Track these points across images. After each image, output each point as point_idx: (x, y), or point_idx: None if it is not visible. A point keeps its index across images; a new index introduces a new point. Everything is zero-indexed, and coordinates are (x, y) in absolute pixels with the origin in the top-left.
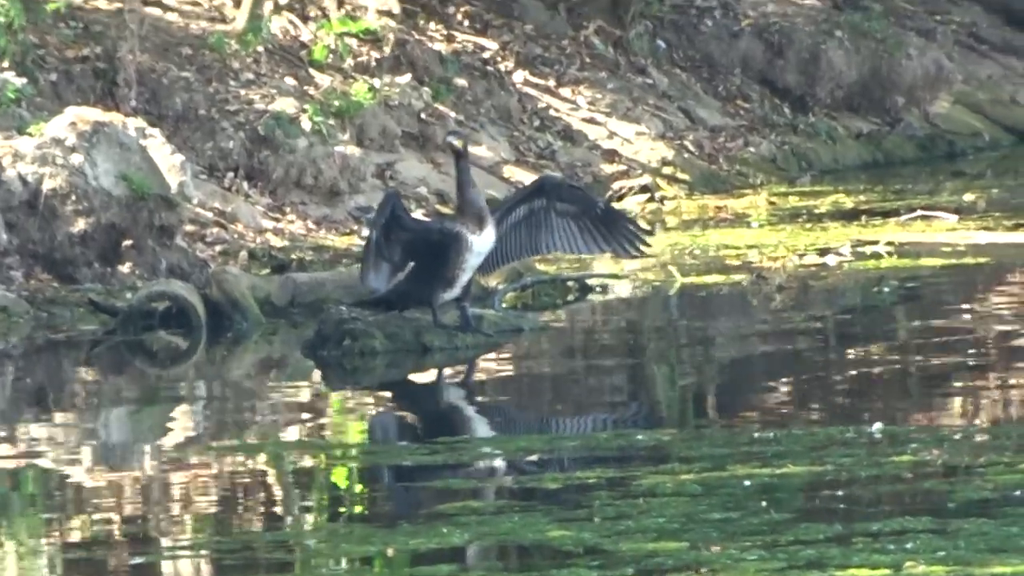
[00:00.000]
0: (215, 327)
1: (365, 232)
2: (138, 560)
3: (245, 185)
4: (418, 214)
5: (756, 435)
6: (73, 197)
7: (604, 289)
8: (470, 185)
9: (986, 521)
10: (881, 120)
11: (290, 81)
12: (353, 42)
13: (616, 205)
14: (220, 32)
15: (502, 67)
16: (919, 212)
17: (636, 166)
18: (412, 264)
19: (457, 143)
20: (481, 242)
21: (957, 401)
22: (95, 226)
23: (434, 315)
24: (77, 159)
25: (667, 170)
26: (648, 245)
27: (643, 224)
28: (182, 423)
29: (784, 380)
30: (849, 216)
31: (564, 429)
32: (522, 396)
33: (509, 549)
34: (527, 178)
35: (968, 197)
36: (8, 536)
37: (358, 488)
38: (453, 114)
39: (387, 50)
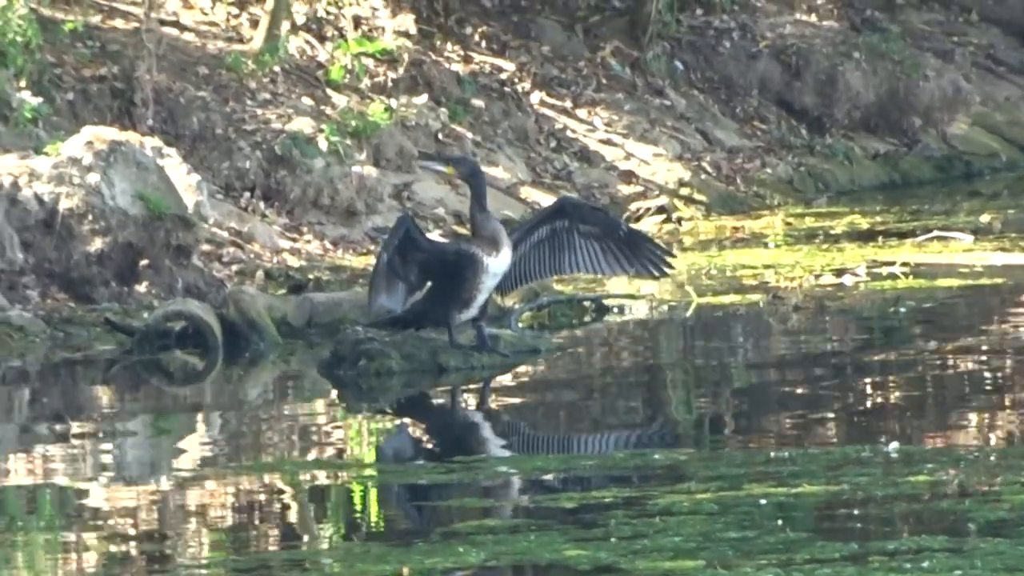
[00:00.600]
0: (232, 347)
1: None
2: None
3: (262, 205)
4: (435, 235)
5: (772, 454)
6: (90, 217)
7: (621, 309)
8: (484, 208)
9: (1002, 540)
10: (898, 141)
11: (307, 101)
12: (370, 62)
13: (633, 226)
14: (237, 52)
15: (519, 88)
16: (935, 233)
17: (653, 187)
18: (429, 284)
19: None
20: (497, 263)
21: (973, 421)
22: (112, 245)
23: (450, 335)
24: (94, 178)
25: (684, 191)
26: (672, 267)
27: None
28: (198, 442)
29: (800, 400)
30: (865, 237)
31: (580, 448)
32: (538, 416)
33: (525, 568)
34: (544, 199)
35: (985, 218)
36: (25, 555)
37: (374, 507)
38: (470, 135)
39: (404, 70)
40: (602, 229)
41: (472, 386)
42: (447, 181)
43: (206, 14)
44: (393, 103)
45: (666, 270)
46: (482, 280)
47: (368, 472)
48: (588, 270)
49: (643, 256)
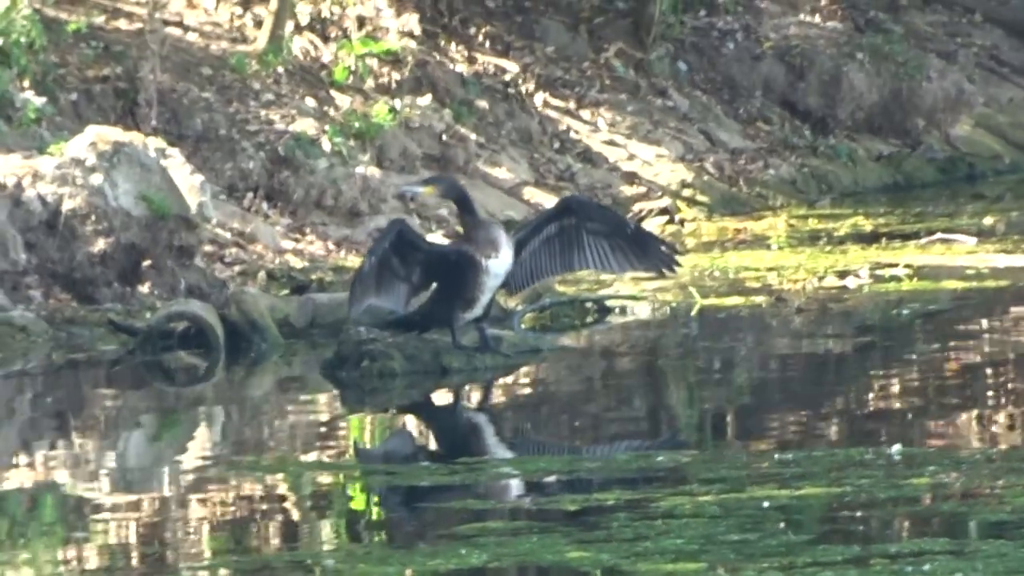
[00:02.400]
0: (234, 348)
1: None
2: None
3: (265, 206)
4: (438, 235)
5: (775, 456)
6: (93, 217)
7: (623, 310)
8: (475, 214)
9: (1004, 543)
10: (901, 142)
11: (310, 102)
12: (374, 63)
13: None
14: (241, 52)
15: (523, 89)
16: (938, 235)
17: (656, 188)
18: (434, 286)
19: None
20: (497, 264)
21: (975, 423)
22: (114, 246)
23: (453, 336)
24: (97, 179)
25: (687, 192)
26: (679, 265)
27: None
28: (201, 443)
29: (803, 402)
30: (868, 238)
31: (583, 450)
32: (541, 417)
33: (528, 570)
34: (547, 200)
35: (988, 220)
36: (28, 557)
37: (376, 508)
38: (474, 136)
39: (408, 71)
40: (609, 227)
41: (475, 387)
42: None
43: (210, 14)
44: (397, 104)
45: (675, 267)
46: (483, 281)
47: (370, 473)
48: (598, 267)
49: (652, 253)
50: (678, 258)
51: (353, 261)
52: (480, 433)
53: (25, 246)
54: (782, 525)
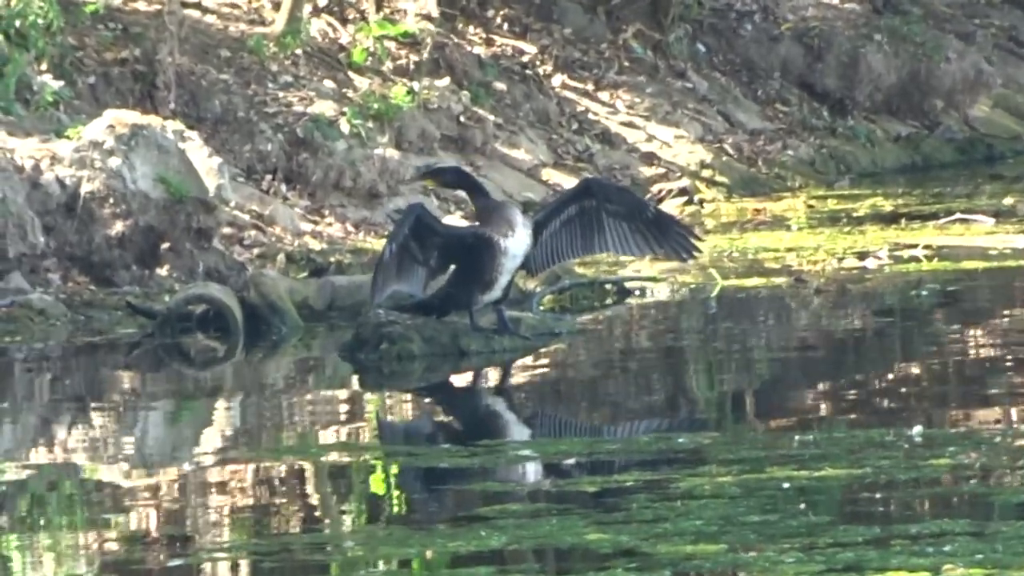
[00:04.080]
0: (253, 330)
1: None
2: (176, 562)
3: (283, 188)
4: (456, 217)
5: (795, 438)
6: (111, 200)
7: (642, 292)
8: (487, 196)
9: None
10: (920, 123)
11: (329, 84)
12: (392, 45)
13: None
14: (259, 34)
15: (541, 71)
16: (957, 215)
17: (675, 169)
18: (452, 268)
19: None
20: (515, 244)
21: (996, 404)
22: (133, 229)
23: (471, 318)
24: (115, 162)
25: (706, 173)
26: (699, 250)
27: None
28: (220, 426)
29: (823, 383)
30: (888, 219)
31: (602, 432)
32: (560, 399)
33: (547, 552)
34: (566, 181)
35: (1007, 200)
36: (48, 536)
37: (396, 491)
38: (492, 117)
39: (426, 53)
40: (629, 209)
41: (494, 369)
42: (468, 163)
43: None
44: (415, 86)
45: (694, 254)
46: (501, 262)
47: (390, 456)
48: (617, 251)
49: (671, 237)
50: (697, 243)
51: (372, 243)
52: (499, 415)
53: (43, 229)
54: (802, 506)
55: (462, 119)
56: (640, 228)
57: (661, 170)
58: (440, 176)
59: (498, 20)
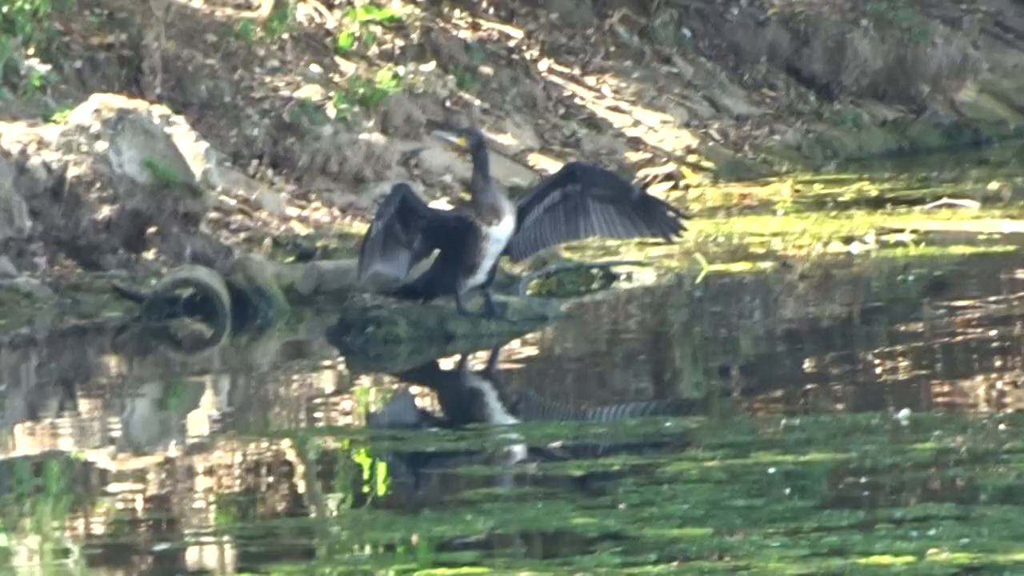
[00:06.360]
0: (239, 314)
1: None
2: (162, 546)
3: (270, 172)
4: (442, 202)
5: (781, 422)
6: (98, 184)
7: (629, 277)
8: (487, 178)
9: (1010, 508)
10: (906, 108)
11: (315, 68)
12: (378, 30)
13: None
14: (246, 19)
15: (527, 55)
16: (944, 200)
17: (661, 154)
18: (437, 252)
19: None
20: (499, 230)
21: (981, 388)
22: (119, 213)
23: (458, 302)
24: (102, 146)
25: (692, 158)
26: (685, 229)
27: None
28: (206, 410)
29: (809, 367)
30: (874, 204)
31: (589, 416)
32: (546, 383)
33: (533, 536)
34: (552, 166)
35: (993, 185)
36: (33, 522)
37: (382, 475)
38: (478, 102)
39: (412, 38)
40: (614, 192)
41: (480, 353)
42: (454, 148)
43: None
44: (401, 70)
45: (681, 232)
46: (484, 247)
47: (375, 439)
48: (603, 233)
49: (657, 218)
50: (684, 223)
51: (358, 228)
52: (485, 399)
53: (30, 213)
54: (788, 490)
55: (448, 104)
56: (625, 210)
57: (647, 155)
58: (471, 137)
59: (484, 4)
